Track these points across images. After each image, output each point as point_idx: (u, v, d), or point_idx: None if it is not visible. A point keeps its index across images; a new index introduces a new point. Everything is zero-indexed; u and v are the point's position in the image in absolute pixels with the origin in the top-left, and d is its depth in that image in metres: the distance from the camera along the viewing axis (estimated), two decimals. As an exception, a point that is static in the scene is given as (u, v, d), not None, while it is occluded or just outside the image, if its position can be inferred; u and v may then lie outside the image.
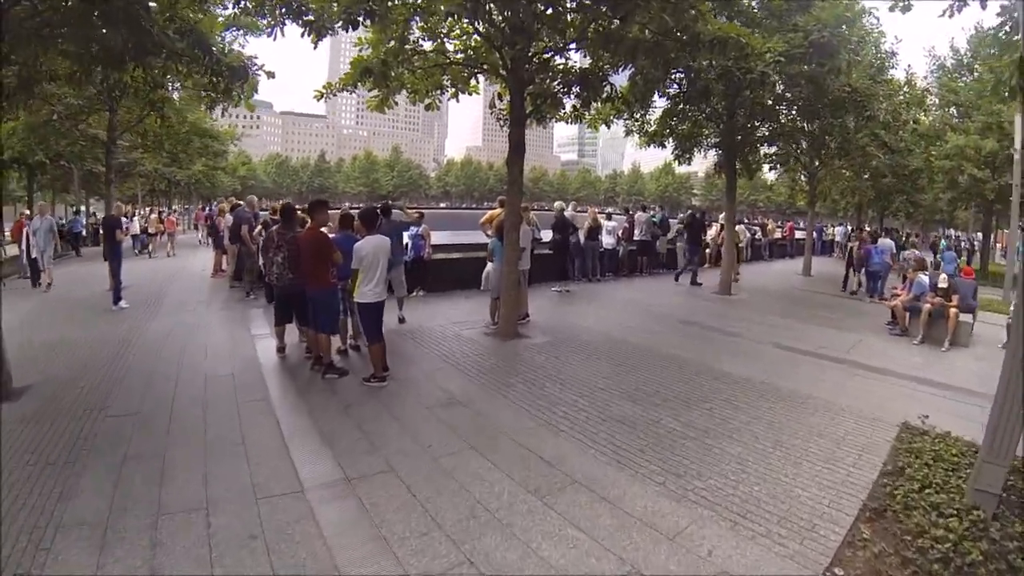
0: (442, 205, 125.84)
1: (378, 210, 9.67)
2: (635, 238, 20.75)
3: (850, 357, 10.53)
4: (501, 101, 11.76)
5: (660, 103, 18.04)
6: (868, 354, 10.84)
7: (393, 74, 10.44)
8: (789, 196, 42.34)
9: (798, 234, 37.69)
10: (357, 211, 8.85)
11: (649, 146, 19.58)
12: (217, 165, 42.69)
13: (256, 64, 10.31)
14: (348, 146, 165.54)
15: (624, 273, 20.34)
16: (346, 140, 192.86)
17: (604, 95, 11.24)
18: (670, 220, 23.59)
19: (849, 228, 38.28)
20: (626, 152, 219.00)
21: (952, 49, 31.94)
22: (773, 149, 22.13)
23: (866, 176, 28.86)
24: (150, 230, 28.38)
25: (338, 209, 12.84)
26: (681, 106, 17.14)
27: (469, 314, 12.30)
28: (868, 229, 26.73)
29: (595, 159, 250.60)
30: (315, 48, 9.30)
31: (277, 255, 8.74)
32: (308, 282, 8.36)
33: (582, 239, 18.01)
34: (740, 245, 23.28)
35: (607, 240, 18.91)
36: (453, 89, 12.08)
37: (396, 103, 11.78)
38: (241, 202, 16.77)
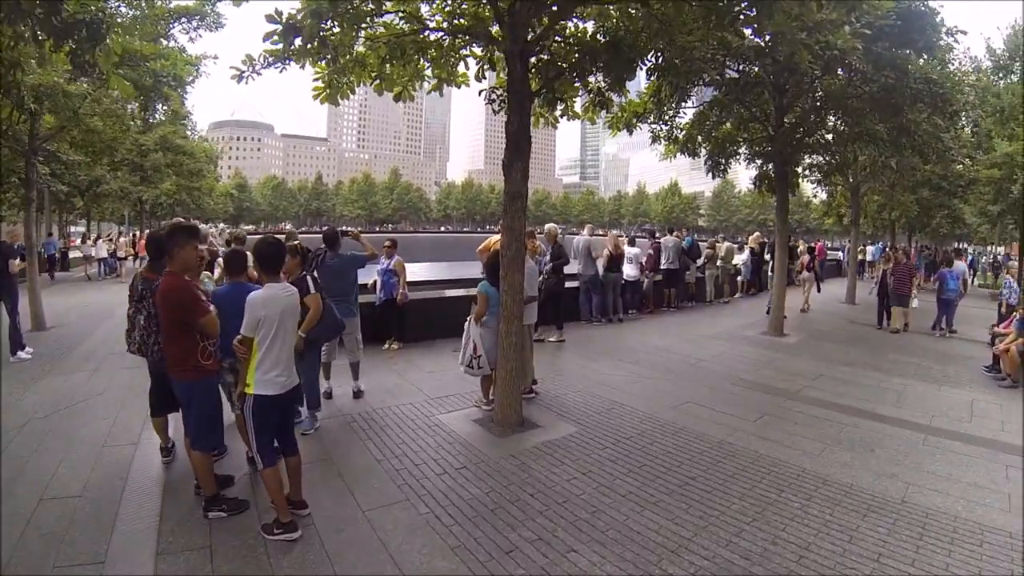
0: (442, 228, 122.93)
1: (302, 249, 6.86)
2: (661, 266, 17.40)
3: (980, 433, 7.77)
4: (498, 93, 8.53)
5: (690, 106, 15.29)
6: (996, 423, 8.31)
7: (340, 44, 7.02)
8: (825, 213, 38.44)
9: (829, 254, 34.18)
10: (259, 243, 5.09)
11: (677, 156, 16.42)
12: (192, 184, 39.57)
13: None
14: (349, 169, 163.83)
15: (649, 309, 17.05)
16: (348, 163, 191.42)
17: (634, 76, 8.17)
18: (699, 244, 20.32)
19: (885, 247, 35.26)
20: (630, 173, 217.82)
21: (989, 50, 28.85)
22: (815, 158, 18.90)
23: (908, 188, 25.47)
24: (119, 253, 28.07)
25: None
26: (725, 98, 14.05)
27: (456, 381, 8.84)
28: (901, 248, 23.90)
29: (597, 181, 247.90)
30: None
31: (139, 313, 5.58)
32: (167, 364, 5.00)
33: (600, 270, 14.75)
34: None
35: (629, 271, 15.74)
36: (435, 81, 8.91)
37: (352, 93, 8.35)
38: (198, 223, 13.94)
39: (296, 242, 7.07)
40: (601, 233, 16.84)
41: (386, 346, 11.10)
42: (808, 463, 6.42)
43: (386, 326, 11.23)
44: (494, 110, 8.53)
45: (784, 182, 14.91)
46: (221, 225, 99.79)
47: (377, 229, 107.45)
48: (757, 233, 24.38)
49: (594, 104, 8.98)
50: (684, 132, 15.18)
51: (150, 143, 33.14)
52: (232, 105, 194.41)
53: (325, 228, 8.46)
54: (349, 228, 8.44)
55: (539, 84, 7.59)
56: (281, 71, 7.19)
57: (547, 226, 13.54)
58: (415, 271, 12.99)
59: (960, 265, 16.55)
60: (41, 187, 26.32)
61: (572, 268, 14.92)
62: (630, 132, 14.52)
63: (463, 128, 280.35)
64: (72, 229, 51.92)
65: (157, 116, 32.42)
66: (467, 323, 7.66)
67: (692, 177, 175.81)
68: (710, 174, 16.62)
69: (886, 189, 24.14)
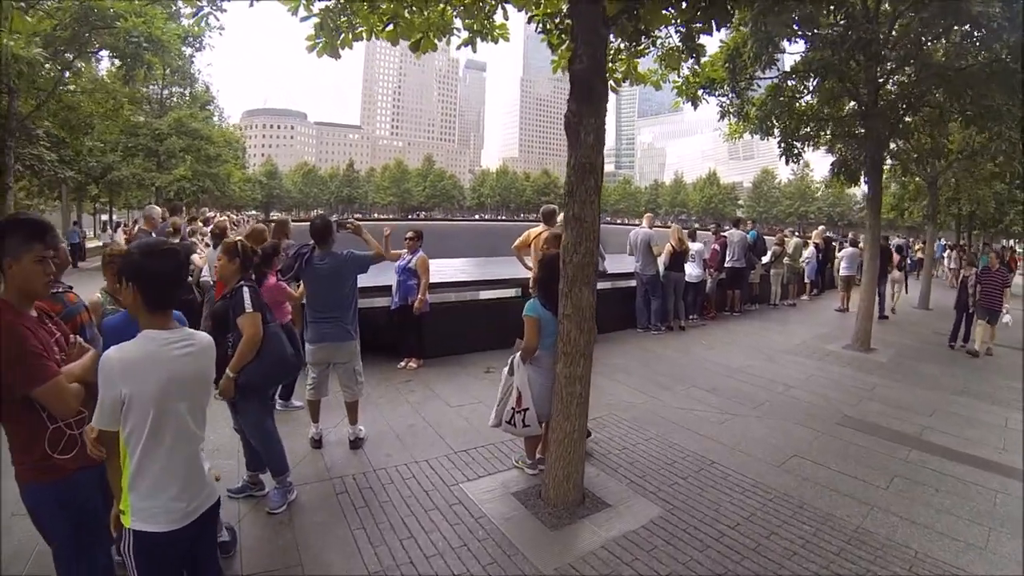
0: (476, 217, 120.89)
1: (244, 249, 4.79)
2: (726, 264, 15.13)
3: None
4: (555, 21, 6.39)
5: (766, 76, 12.78)
6: None
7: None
8: (894, 207, 35.42)
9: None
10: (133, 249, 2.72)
11: (746, 135, 14.33)
12: (209, 170, 37.82)
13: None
14: (383, 156, 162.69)
15: (711, 314, 14.85)
16: (381, 150, 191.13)
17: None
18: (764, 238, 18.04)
19: (947, 244, 32.70)
20: (667, 162, 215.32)
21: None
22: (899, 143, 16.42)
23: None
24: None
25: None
26: (813, 62, 11.76)
27: (488, 420, 6.59)
28: (993, 248, 21.42)
29: (632, 170, 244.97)
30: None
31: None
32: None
33: (661, 269, 12.56)
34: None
35: (692, 269, 13.51)
36: (466, 34, 6.73)
37: (354, 43, 6.19)
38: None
39: (238, 240, 4.79)
40: (660, 225, 13.60)
41: (402, 364, 9.01)
42: (979, 563, 4.48)
43: (403, 338, 9.18)
44: (551, 43, 6.34)
45: (878, 170, 12.70)
46: (253, 212, 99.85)
47: (409, 217, 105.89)
48: (822, 227, 22.14)
49: (682, 51, 6.69)
50: (757, 108, 12.96)
51: (164, 127, 31.37)
52: (265, 93, 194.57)
53: (314, 217, 6.26)
54: (348, 218, 6.08)
55: (617, 7, 5.11)
56: (251, 5, 5.18)
57: (544, 207, 11.04)
58: (444, 268, 10.93)
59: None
60: (49, 175, 25.12)
61: (621, 266, 12.98)
62: (695, 105, 12.41)
63: (498, 115, 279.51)
64: (103, 218, 50.80)
65: (161, 92, 30.85)
66: (511, 364, 5.37)
67: (730, 167, 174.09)
68: (782, 159, 14.35)
69: (970, 180, 21.71)
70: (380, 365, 8.81)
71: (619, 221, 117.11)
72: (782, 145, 13.75)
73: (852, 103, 13.06)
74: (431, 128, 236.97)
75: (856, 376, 10.21)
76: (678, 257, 12.73)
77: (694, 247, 13.58)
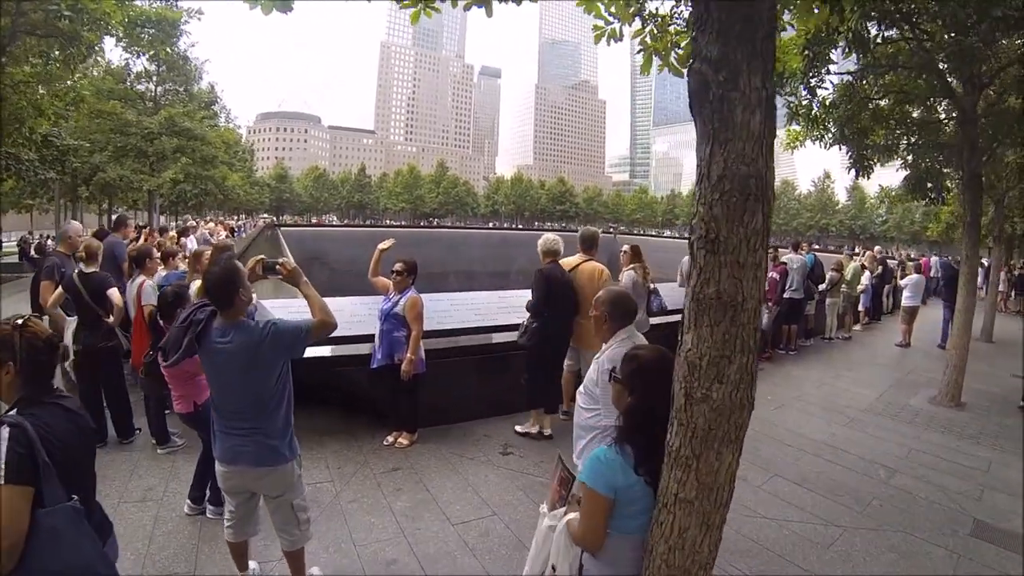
0: (491, 225, 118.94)
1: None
2: (784, 295, 12.93)
3: None
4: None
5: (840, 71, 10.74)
6: None
7: None
8: (932, 221, 33.13)
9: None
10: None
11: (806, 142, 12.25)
12: (203, 172, 35.79)
13: None
14: (397, 161, 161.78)
15: (767, 354, 12.64)
16: (395, 155, 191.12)
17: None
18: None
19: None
20: (683, 172, 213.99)
21: None
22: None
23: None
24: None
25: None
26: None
27: (511, 542, 4.68)
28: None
29: (647, 180, 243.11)
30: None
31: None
32: None
33: None
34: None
35: (753, 305, 11.22)
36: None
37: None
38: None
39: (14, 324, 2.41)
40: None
41: (389, 439, 6.72)
42: None
43: (390, 403, 6.85)
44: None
45: (977, 184, 10.47)
46: (265, 215, 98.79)
47: (422, 224, 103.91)
48: (879, 247, 19.81)
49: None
50: (829, 109, 10.80)
51: (155, 126, 29.39)
52: (280, 96, 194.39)
53: (211, 266, 3.91)
54: (280, 260, 3.56)
55: None
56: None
57: (583, 229, 8.40)
58: (445, 304, 8.77)
59: None
60: (29, 176, 23.18)
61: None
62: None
63: (512, 121, 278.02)
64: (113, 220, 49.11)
65: (155, 89, 28.90)
66: (552, 506, 3.03)
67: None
68: (851, 171, 12.27)
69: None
70: (358, 440, 6.74)
71: (636, 231, 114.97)
72: (851, 155, 11.66)
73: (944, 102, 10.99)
74: (445, 134, 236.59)
75: (960, 447, 8.09)
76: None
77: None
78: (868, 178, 12.84)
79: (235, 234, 38.28)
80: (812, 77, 9.99)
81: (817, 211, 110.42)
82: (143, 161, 29.82)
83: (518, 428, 7.36)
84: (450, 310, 8.58)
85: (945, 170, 12.34)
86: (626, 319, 3.89)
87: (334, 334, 4.02)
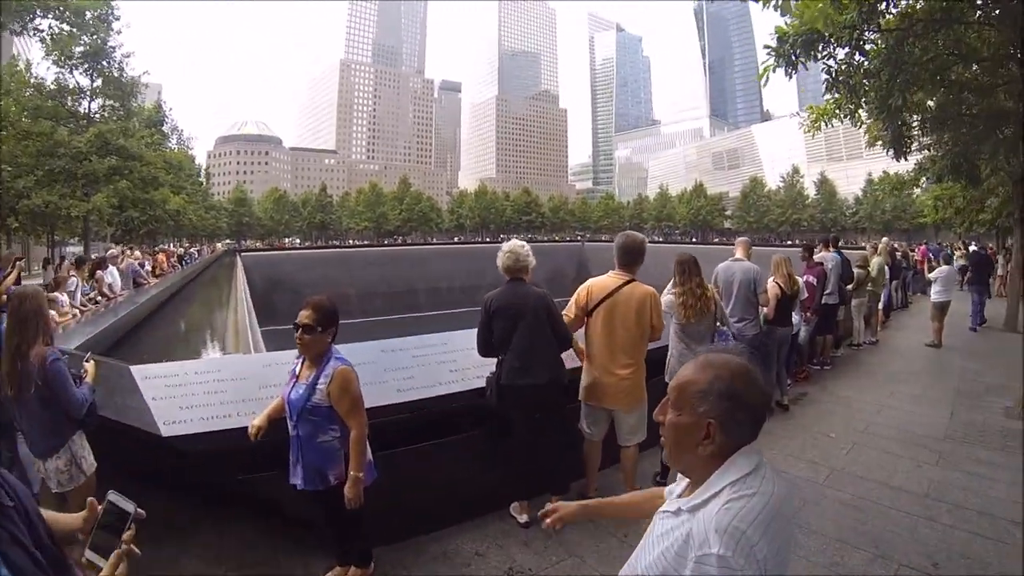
0: (456, 240, 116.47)
1: None
2: (822, 301, 10.79)
3: None
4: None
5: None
6: None
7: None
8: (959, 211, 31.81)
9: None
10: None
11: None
12: (142, 195, 33.14)
13: None
14: (360, 180, 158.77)
15: (804, 374, 10.49)
16: (358, 174, 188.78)
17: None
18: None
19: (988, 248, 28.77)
20: (649, 176, 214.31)
21: None
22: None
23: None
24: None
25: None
26: None
27: None
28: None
29: (610, 187, 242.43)
30: None
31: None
32: None
33: (759, 323, 8.05)
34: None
35: (795, 318, 9.29)
36: None
37: None
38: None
39: None
40: (740, 255, 8.09)
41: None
42: None
43: (329, 531, 4.17)
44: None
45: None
46: (228, 241, 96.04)
47: (386, 242, 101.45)
48: (886, 239, 17.90)
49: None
50: (871, 76, 8.76)
51: (83, 145, 26.66)
52: (240, 119, 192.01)
53: None
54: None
55: None
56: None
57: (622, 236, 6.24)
58: (404, 360, 6.25)
59: None
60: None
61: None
62: (792, 70, 8.32)
63: (474, 135, 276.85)
64: (67, 250, 46.03)
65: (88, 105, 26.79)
66: None
67: (716, 177, 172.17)
68: (888, 151, 10.39)
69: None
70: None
71: (604, 238, 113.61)
72: (890, 130, 9.71)
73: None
74: (407, 150, 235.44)
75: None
76: (786, 304, 8.45)
77: (800, 279, 9.34)
78: (906, 158, 11.03)
79: (183, 262, 35.87)
80: (859, 34, 8.04)
81: (788, 206, 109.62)
82: (73, 185, 26.92)
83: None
84: (412, 365, 6.06)
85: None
86: (750, 424, 1.84)
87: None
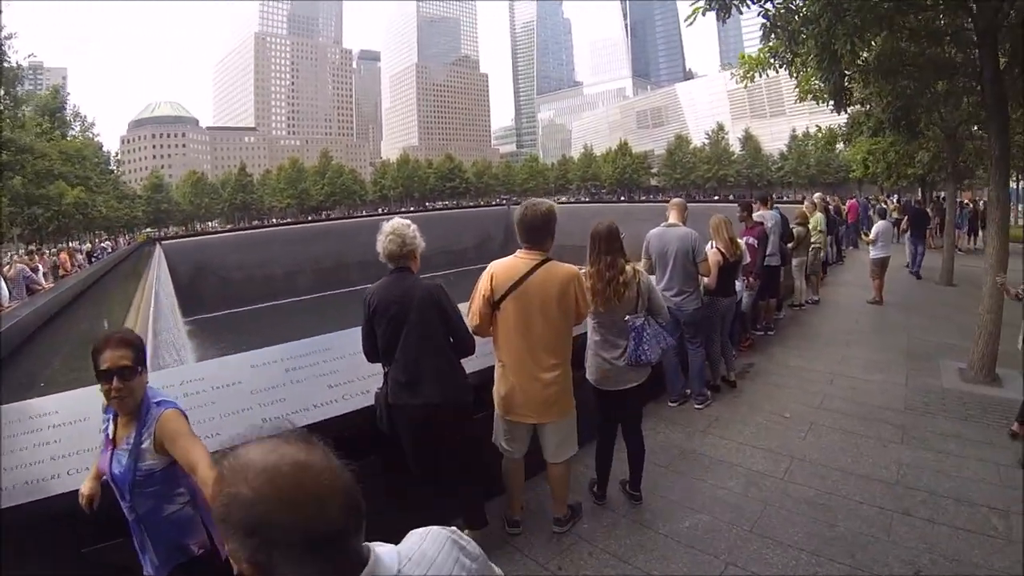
0: (380, 211, 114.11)
1: None
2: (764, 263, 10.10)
3: None
4: None
5: None
6: None
7: None
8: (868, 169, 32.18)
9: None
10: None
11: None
12: (36, 192, 31.21)
13: None
14: (281, 157, 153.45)
15: (748, 340, 9.99)
16: (280, 151, 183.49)
17: None
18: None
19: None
20: (573, 138, 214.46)
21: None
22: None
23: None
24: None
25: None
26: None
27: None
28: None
29: (534, 149, 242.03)
30: None
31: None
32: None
33: (700, 295, 7.39)
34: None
35: (739, 285, 8.68)
36: None
37: None
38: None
39: None
40: (674, 219, 7.03)
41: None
42: None
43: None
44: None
45: (1003, 109, 8.17)
46: (148, 230, 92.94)
47: (310, 219, 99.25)
48: (819, 194, 17.52)
49: None
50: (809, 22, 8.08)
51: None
52: (152, 101, 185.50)
53: None
54: None
55: None
56: None
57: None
58: (274, 373, 5.36)
59: None
60: None
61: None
62: (724, 18, 7.67)
63: (395, 104, 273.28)
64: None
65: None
66: None
67: (640, 135, 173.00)
68: (828, 103, 9.91)
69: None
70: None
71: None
72: (830, 80, 9.11)
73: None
74: (328, 123, 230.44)
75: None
76: (729, 271, 7.77)
77: (741, 242, 8.68)
78: (846, 111, 10.51)
79: (92, 259, 34.12)
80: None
81: (714, 163, 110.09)
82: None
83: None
84: (284, 382, 4.97)
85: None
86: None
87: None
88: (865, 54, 9.35)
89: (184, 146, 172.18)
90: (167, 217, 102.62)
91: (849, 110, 13.00)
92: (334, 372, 5.16)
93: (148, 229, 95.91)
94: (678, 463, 5.96)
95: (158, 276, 28.13)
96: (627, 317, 4.89)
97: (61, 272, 24.37)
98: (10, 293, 15.62)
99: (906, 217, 19.42)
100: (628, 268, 4.93)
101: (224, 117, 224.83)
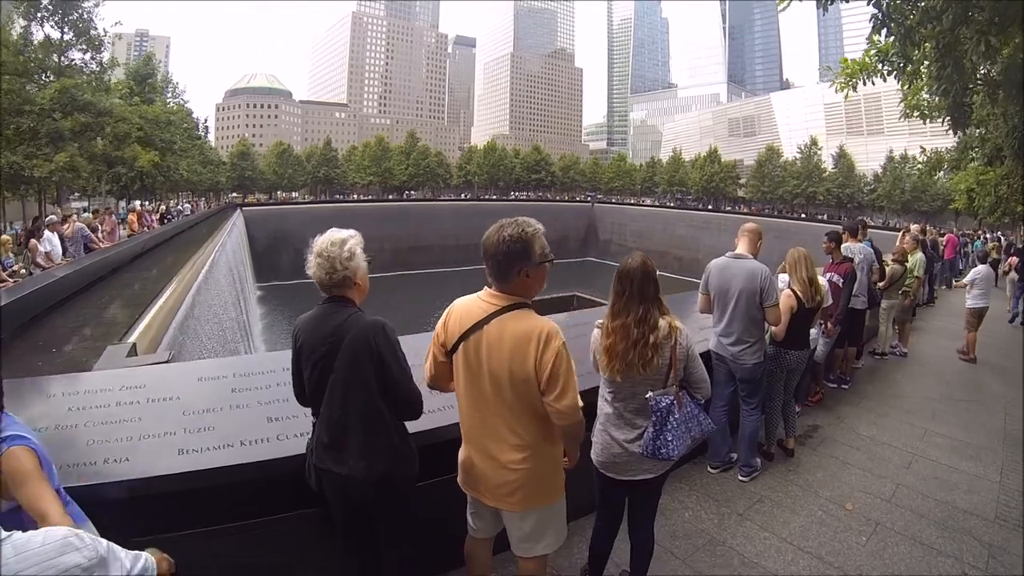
0: (464, 196, 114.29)
1: None
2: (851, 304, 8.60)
3: None
4: None
5: None
6: None
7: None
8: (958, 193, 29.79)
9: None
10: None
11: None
12: (115, 153, 31.53)
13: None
14: (370, 135, 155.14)
15: (817, 396, 8.45)
16: (369, 129, 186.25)
17: None
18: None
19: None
20: (663, 139, 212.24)
21: None
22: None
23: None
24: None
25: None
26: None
27: None
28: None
29: (625, 147, 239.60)
30: None
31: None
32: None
33: (764, 347, 5.96)
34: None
35: (814, 333, 7.09)
36: None
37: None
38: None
39: None
40: (743, 250, 5.90)
41: None
42: None
43: None
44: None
45: None
46: (234, 195, 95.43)
47: (391, 198, 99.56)
48: (916, 226, 15.68)
49: None
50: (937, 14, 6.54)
51: (46, 102, 24.97)
52: (250, 72, 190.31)
53: None
54: None
55: None
56: None
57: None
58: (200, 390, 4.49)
59: None
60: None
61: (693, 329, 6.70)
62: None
63: (488, 91, 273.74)
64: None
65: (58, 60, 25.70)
66: None
67: (731, 144, 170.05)
68: (944, 120, 8.36)
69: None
70: None
71: (614, 201, 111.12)
72: (949, 93, 7.55)
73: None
74: (419, 105, 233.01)
75: None
76: (804, 318, 6.30)
77: (823, 281, 7.22)
78: (964, 131, 8.91)
79: (164, 220, 34.14)
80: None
81: (804, 179, 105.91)
82: (38, 143, 24.98)
83: None
84: (224, 406, 3.98)
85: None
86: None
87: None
88: (992, 66, 7.71)
89: (276, 117, 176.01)
90: (251, 184, 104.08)
91: (960, 132, 11.23)
92: (279, 401, 4.13)
93: (233, 194, 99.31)
94: (700, 557, 4.68)
95: (223, 243, 27.81)
96: (649, 394, 3.58)
97: (128, 232, 24.42)
98: (66, 251, 15.52)
99: (1012, 259, 17.47)
100: (663, 323, 3.58)
101: (318, 91, 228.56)
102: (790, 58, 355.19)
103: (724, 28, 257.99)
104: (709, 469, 6.05)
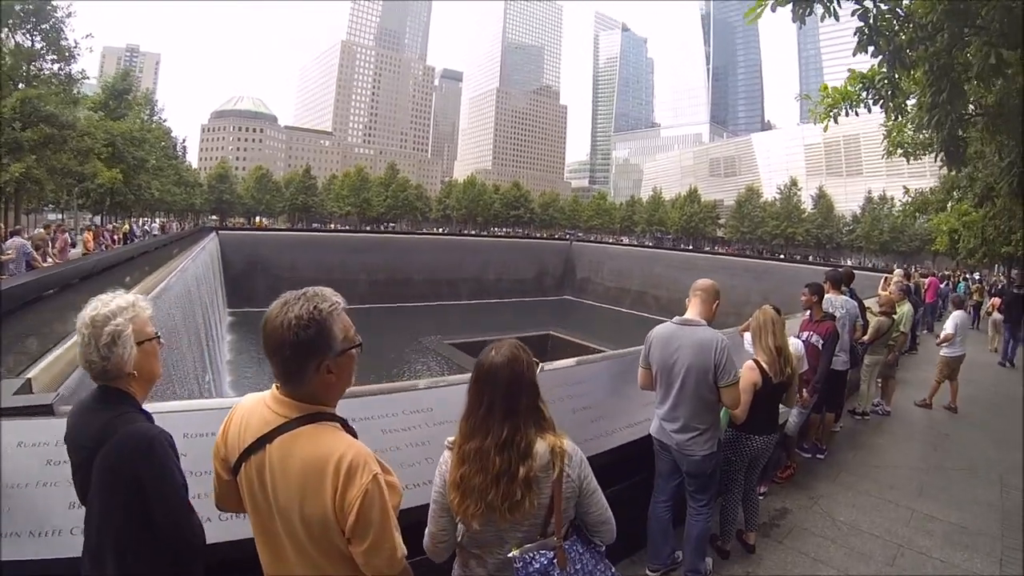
0: (438, 230, 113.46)
1: None
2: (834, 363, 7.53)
3: None
4: None
5: None
6: None
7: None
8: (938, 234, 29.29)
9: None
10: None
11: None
12: (70, 167, 30.45)
13: None
14: (353, 164, 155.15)
15: (788, 471, 7.29)
16: (353, 158, 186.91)
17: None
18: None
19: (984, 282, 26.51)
20: (644, 179, 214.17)
21: None
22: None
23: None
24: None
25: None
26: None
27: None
28: None
29: (606, 186, 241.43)
30: None
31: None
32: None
33: (717, 435, 4.78)
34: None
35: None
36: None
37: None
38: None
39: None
40: (694, 313, 4.76)
41: None
42: None
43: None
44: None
45: None
46: (213, 217, 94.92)
47: (368, 229, 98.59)
48: (899, 271, 14.77)
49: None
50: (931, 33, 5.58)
51: (6, 111, 23.86)
52: (236, 94, 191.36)
53: None
54: None
55: None
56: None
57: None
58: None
59: None
60: None
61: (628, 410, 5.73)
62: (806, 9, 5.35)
63: (472, 126, 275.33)
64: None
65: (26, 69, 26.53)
66: None
67: (711, 184, 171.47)
68: (937, 160, 7.37)
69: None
70: None
71: (593, 239, 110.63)
72: (942, 137, 6.60)
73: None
74: (404, 137, 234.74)
75: None
76: (770, 397, 5.14)
77: (796, 344, 6.26)
78: (960, 171, 8.00)
79: (127, 240, 33.09)
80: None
81: (783, 219, 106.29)
82: (-3, 157, 24.02)
83: None
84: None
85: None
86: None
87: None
88: (994, 88, 6.73)
89: (261, 141, 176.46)
90: (229, 208, 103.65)
91: (955, 170, 10.35)
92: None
93: (213, 217, 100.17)
94: None
95: (183, 268, 26.55)
96: (513, 553, 2.41)
97: (82, 251, 23.38)
98: (2, 267, 14.47)
99: (994, 300, 17.07)
100: (541, 448, 2.46)
101: (304, 118, 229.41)
102: (772, 100, 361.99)
103: (708, 69, 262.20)
104: (648, 572, 4.84)
